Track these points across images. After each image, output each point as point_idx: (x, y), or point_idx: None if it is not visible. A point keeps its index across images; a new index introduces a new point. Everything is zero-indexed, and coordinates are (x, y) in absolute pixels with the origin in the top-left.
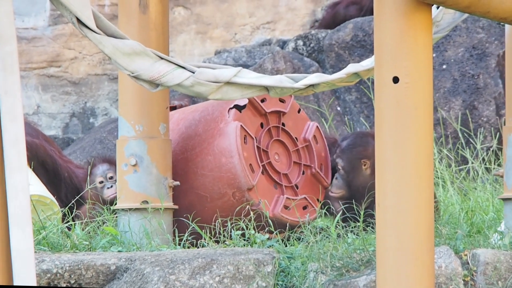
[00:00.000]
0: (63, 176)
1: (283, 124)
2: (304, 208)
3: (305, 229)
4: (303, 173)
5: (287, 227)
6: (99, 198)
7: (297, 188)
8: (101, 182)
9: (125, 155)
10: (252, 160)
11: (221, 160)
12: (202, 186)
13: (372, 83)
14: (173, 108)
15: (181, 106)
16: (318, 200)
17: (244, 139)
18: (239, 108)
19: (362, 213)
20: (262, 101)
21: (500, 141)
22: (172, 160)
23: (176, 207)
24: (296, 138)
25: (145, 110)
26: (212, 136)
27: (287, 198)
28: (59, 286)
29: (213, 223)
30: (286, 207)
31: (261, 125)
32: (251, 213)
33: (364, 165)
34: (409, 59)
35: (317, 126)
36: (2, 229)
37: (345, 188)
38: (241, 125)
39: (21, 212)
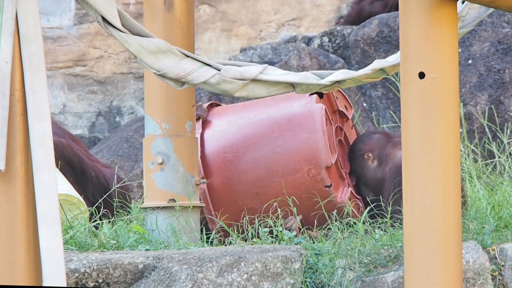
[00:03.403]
0: (90, 175)
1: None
2: (358, 209)
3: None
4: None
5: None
6: (126, 197)
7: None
8: None
9: (152, 153)
10: (331, 143)
11: (302, 136)
12: (275, 161)
13: (398, 79)
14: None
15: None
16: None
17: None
18: (320, 95)
19: (389, 209)
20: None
21: None
22: (240, 135)
23: (203, 205)
24: None
25: (171, 108)
26: (292, 114)
27: (351, 191)
28: (87, 285)
29: (276, 203)
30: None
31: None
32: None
33: (368, 158)
34: (435, 55)
35: None
36: (31, 228)
37: (369, 189)
38: (325, 108)
39: (49, 211)
